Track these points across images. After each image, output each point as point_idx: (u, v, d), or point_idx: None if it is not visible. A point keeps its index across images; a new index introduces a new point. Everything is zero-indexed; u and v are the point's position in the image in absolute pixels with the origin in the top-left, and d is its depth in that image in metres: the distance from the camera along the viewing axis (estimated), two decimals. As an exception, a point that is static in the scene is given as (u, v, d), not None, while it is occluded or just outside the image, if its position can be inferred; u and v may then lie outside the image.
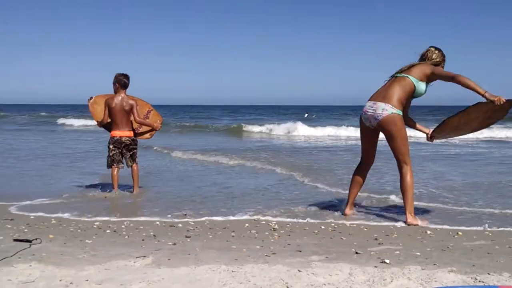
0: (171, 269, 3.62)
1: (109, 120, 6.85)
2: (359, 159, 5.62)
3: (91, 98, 7.06)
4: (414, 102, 5.32)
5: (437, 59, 5.19)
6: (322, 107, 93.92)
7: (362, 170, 5.61)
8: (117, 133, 6.83)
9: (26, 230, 4.91)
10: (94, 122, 7.68)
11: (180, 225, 5.22)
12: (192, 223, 5.33)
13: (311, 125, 24.29)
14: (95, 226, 5.13)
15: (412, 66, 5.14)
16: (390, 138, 5.11)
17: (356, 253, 4.11)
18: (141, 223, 5.30)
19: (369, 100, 5.20)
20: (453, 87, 4.92)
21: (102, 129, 7.10)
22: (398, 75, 5.12)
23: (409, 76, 5.05)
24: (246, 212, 5.88)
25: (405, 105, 5.19)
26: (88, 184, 7.87)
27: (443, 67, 5.23)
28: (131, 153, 6.95)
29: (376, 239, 4.61)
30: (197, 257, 3.98)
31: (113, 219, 5.52)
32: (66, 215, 5.68)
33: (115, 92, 6.81)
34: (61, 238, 4.58)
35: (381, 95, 5.12)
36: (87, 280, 3.33)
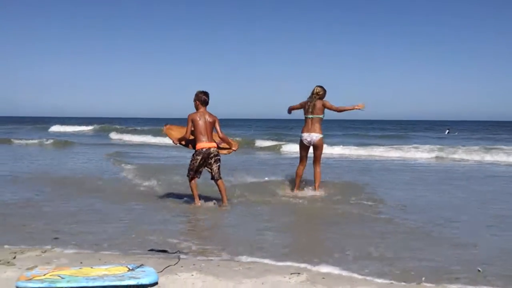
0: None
1: (191, 137, 7.02)
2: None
3: (166, 124, 7.53)
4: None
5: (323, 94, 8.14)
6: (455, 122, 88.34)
7: (302, 167, 8.32)
8: (205, 145, 6.94)
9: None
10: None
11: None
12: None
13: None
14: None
15: (314, 104, 8.06)
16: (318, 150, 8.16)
17: None
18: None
19: (305, 132, 8.12)
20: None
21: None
22: (314, 116, 8.06)
23: (319, 116, 8.06)
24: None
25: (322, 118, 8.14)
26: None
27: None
28: (218, 164, 7.01)
29: None
30: (352, 277, 3.89)
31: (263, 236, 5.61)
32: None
33: (196, 109, 7.02)
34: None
35: (311, 130, 8.05)
36: (245, 294, 3.40)
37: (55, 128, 42.86)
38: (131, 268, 3.71)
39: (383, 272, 4.04)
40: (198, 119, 6.92)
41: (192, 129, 6.97)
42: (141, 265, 3.83)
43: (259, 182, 9.09)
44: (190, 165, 7.06)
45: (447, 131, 42.32)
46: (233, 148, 7.35)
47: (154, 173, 10.15)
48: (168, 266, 4.10)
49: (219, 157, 7.05)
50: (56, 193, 8.12)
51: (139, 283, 3.44)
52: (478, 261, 4.36)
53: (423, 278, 3.84)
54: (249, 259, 4.40)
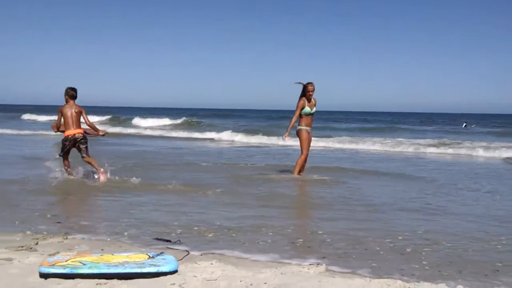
0: (345, 280, 3.55)
1: (62, 125, 8.39)
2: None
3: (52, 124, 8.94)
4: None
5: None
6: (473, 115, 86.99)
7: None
8: (72, 132, 8.27)
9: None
10: None
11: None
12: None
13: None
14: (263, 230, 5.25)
15: (315, 101, 9.17)
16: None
17: None
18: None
19: (308, 126, 9.13)
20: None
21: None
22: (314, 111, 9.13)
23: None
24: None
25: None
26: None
27: (310, 94, 9.03)
28: (85, 145, 8.31)
29: None
30: (373, 269, 3.87)
31: (282, 222, 5.60)
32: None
33: (66, 102, 8.39)
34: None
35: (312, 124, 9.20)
36: (265, 283, 3.40)
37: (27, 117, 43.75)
38: (151, 256, 3.75)
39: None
40: (67, 111, 8.30)
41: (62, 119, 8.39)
42: (161, 253, 3.87)
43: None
44: (61, 148, 8.41)
45: (465, 124, 41.66)
46: (100, 133, 8.95)
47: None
48: (188, 254, 4.13)
49: (84, 140, 8.36)
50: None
51: (159, 270, 3.48)
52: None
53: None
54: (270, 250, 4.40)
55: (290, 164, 10.52)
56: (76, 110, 8.28)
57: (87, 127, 8.68)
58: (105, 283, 3.29)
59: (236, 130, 25.30)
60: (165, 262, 3.60)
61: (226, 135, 22.73)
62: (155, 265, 3.51)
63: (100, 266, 3.47)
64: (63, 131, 8.40)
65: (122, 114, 50.15)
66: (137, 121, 38.55)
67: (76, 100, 8.41)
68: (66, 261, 3.59)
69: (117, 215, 5.75)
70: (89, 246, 4.37)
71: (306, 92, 8.98)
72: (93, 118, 40.51)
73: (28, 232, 4.78)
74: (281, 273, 3.65)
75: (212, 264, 3.84)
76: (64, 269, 3.42)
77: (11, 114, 52.26)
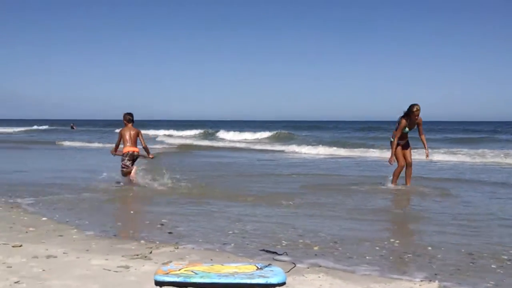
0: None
1: (121, 145, 9.75)
2: None
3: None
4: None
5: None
6: None
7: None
8: (130, 149, 9.60)
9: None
10: None
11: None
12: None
13: None
14: (368, 243, 5.14)
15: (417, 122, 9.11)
16: None
17: None
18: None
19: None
20: None
21: None
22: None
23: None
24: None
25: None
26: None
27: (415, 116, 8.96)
28: (137, 159, 9.76)
29: None
30: (489, 288, 3.65)
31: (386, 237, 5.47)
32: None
33: (125, 125, 9.78)
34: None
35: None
36: (376, 299, 3.33)
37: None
38: (259, 267, 3.79)
39: None
40: (125, 132, 9.73)
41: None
42: (269, 265, 3.90)
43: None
44: (122, 164, 9.62)
45: None
46: (150, 157, 10.11)
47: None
48: (294, 266, 4.14)
49: (137, 158, 9.77)
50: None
51: (268, 282, 3.50)
52: None
53: None
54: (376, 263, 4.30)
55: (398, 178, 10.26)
56: (133, 132, 9.75)
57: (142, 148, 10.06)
58: (217, 293, 3.38)
59: (329, 142, 25.03)
60: (273, 274, 3.62)
61: (321, 148, 22.09)
62: (263, 277, 3.55)
63: (211, 275, 3.56)
64: (119, 154, 9.88)
65: (222, 127, 51.03)
66: (231, 134, 39.70)
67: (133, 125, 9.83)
68: (179, 270, 3.73)
69: (222, 225, 5.91)
70: (199, 255, 4.52)
71: (410, 113, 8.89)
72: (187, 132, 42.16)
73: (142, 241, 5.04)
74: (391, 289, 3.56)
75: (319, 277, 3.82)
76: (177, 277, 3.55)
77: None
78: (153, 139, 31.24)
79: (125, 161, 9.57)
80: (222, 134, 40.49)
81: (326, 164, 15.22)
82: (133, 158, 9.67)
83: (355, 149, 20.60)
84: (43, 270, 3.91)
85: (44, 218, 6.31)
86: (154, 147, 21.03)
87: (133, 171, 9.50)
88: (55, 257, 4.35)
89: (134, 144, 9.75)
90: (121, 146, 9.84)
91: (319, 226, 5.89)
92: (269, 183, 9.88)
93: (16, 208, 7.04)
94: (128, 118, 9.87)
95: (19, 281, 3.63)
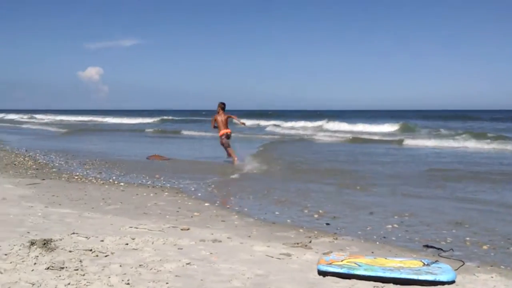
0: None
1: (215, 127, 12.76)
2: None
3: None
4: None
5: None
6: None
7: None
8: (223, 131, 12.41)
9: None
10: None
11: None
12: None
13: None
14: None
15: None
16: None
17: None
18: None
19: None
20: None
21: None
22: None
23: None
24: None
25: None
26: None
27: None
28: (229, 139, 12.46)
29: None
30: None
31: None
32: None
33: (217, 112, 12.57)
34: None
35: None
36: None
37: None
38: (426, 263, 3.65)
39: None
40: (218, 118, 12.52)
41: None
42: (436, 261, 3.73)
43: None
44: (220, 141, 12.62)
45: None
46: (241, 122, 13.20)
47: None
48: (463, 264, 3.90)
49: (230, 136, 12.51)
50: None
51: (437, 279, 3.35)
52: None
53: None
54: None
55: None
56: (224, 117, 12.51)
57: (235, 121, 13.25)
58: (382, 287, 3.31)
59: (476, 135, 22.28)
60: (442, 271, 3.46)
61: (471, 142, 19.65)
62: (431, 273, 3.40)
63: (376, 269, 3.51)
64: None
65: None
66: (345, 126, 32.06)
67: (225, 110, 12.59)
68: (341, 261, 3.73)
69: (382, 218, 5.78)
70: (359, 248, 4.47)
71: None
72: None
73: (301, 230, 5.13)
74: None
75: (492, 277, 3.55)
76: (341, 268, 3.55)
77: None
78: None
79: (222, 138, 12.43)
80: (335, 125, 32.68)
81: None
82: (227, 136, 12.48)
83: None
84: (210, 253, 4.13)
85: (206, 204, 6.72)
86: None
87: (235, 162, 11.84)
88: (220, 241, 4.59)
89: (225, 126, 12.55)
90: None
91: (492, 223, 5.50)
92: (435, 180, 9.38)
93: (180, 193, 7.59)
94: (222, 106, 12.70)
95: (190, 262, 3.87)
